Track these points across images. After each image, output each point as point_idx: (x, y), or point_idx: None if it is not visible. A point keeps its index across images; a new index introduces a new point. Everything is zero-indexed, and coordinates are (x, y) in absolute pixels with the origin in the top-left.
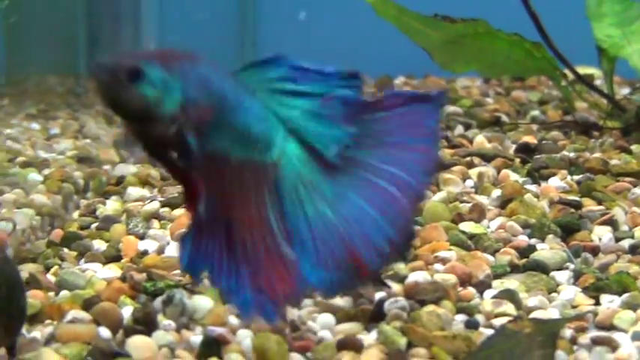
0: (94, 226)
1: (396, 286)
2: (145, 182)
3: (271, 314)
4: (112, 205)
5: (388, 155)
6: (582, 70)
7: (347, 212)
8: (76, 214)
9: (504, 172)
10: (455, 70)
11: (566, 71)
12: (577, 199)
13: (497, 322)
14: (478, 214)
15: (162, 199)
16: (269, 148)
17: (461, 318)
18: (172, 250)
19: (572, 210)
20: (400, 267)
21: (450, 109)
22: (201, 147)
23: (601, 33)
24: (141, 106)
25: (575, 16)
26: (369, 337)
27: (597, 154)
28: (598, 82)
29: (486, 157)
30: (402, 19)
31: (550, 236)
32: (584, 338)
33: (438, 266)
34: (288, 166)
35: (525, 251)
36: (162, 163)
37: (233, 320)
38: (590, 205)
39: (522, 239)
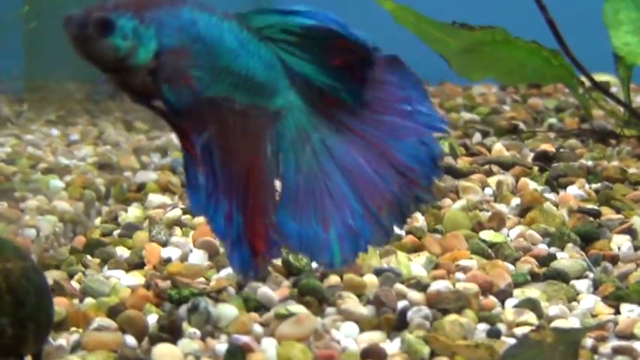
0: (116, 233)
1: (418, 295)
2: (165, 189)
3: (251, 268)
4: (133, 212)
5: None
6: (598, 77)
7: (335, 170)
8: (97, 221)
9: (523, 180)
10: (472, 77)
11: (583, 79)
12: (596, 207)
13: (519, 331)
14: (498, 222)
15: (183, 206)
16: (274, 95)
17: (483, 327)
18: (195, 257)
19: (591, 219)
20: (422, 275)
21: (467, 116)
22: (192, 93)
23: (618, 41)
24: (114, 58)
25: (592, 23)
26: (392, 346)
27: (615, 163)
28: (614, 90)
29: (505, 166)
30: (421, 27)
31: (569, 245)
32: (605, 348)
33: (459, 275)
34: (290, 115)
35: (545, 260)
36: (149, 109)
37: (258, 328)
38: (608, 214)
39: (542, 248)
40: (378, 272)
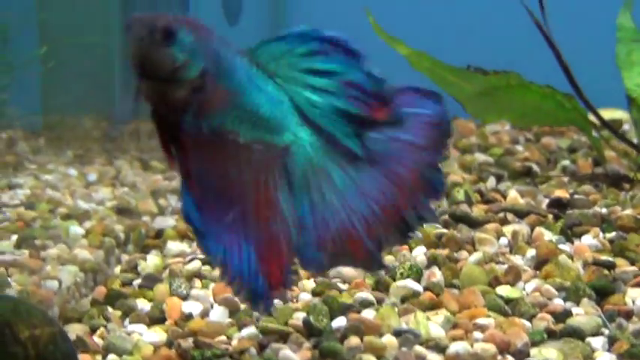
0: (136, 283)
1: (437, 358)
2: (183, 236)
3: (266, 301)
4: (152, 261)
5: (396, 150)
6: (610, 113)
7: (353, 201)
8: (117, 270)
9: (538, 230)
10: (486, 120)
11: (595, 118)
12: (610, 259)
13: None
14: (514, 276)
15: (201, 256)
16: (281, 131)
17: None
18: (216, 314)
19: (606, 271)
20: (441, 336)
21: (482, 158)
22: (207, 123)
23: (631, 82)
24: (170, 67)
25: (607, 58)
26: None
27: (628, 211)
28: (626, 127)
29: (520, 214)
30: (436, 71)
31: (585, 300)
32: None
33: (477, 334)
34: (299, 151)
35: (561, 316)
36: (163, 129)
37: None
38: (623, 266)
39: (558, 303)
40: (397, 333)
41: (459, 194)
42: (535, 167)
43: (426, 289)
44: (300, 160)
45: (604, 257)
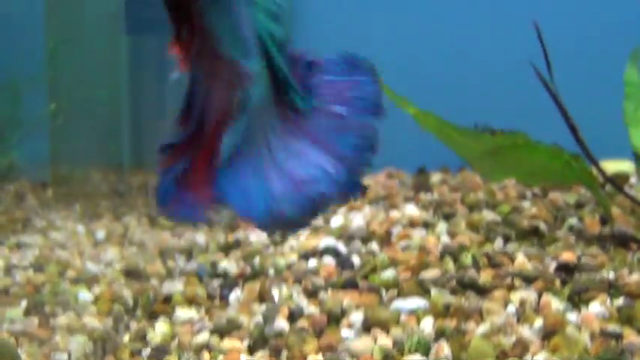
0: (145, 353)
1: None
2: (192, 301)
3: (190, 214)
4: (160, 328)
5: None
6: (617, 165)
7: (285, 153)
8: (126, 338)
9: (545, 298)
10: (494, 179)
11: (601, 177)
12: (617, 329)
13: None
14: (521, 349)
15: (210, 324)
16: (248, 58)
17: None
18: None
19: (614, 342)
20: None
21: (489, 217)
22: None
23: (638, 140)
24: None
25: (614, 114)
26: None
27: (636, 276)
28: (633, 180)
29: (527, 279)
30: (443, 131)
31: None
32: None
33: None
34: (258, 83)
35: None
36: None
37: None
38: (630, 336)
39: None
40: None
41: (467, 259)
42: (542, 226)
43: None
44: (256, 93)
45: (611, 327)
